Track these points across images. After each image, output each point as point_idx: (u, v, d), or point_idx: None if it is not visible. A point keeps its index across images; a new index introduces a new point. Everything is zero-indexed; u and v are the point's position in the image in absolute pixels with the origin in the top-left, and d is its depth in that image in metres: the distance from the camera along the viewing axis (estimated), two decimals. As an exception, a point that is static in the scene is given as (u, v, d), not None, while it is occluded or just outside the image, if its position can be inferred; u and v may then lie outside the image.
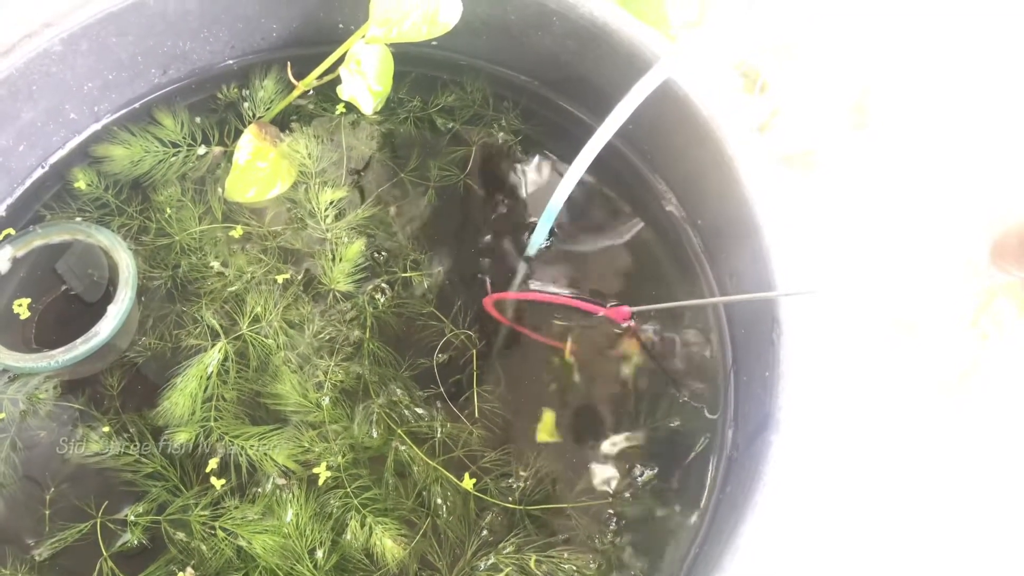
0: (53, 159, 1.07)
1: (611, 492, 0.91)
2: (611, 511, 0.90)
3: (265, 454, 0.90)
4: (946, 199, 1.42)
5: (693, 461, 0.92)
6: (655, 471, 0.92)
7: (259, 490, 0.90)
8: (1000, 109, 1.46)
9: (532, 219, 1.04)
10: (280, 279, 1.00)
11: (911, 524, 1.06)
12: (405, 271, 1.03)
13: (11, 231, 1.01)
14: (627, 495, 0.91)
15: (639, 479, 0.91)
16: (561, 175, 0.95)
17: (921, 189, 1.42)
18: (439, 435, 0.93)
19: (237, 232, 1.03)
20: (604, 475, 0.92)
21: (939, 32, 1.53)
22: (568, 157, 0.92)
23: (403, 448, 0.92)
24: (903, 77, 1.51)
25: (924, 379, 1.17)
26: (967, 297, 1.28)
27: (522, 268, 1.01)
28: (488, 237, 1.06)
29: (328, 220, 1.04)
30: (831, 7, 1.56)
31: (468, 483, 0.90)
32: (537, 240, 0.99)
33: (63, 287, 1.01)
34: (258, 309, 0.97)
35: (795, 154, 1.45)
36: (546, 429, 0.95)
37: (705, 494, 0.90)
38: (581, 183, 0.93)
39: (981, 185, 1.42)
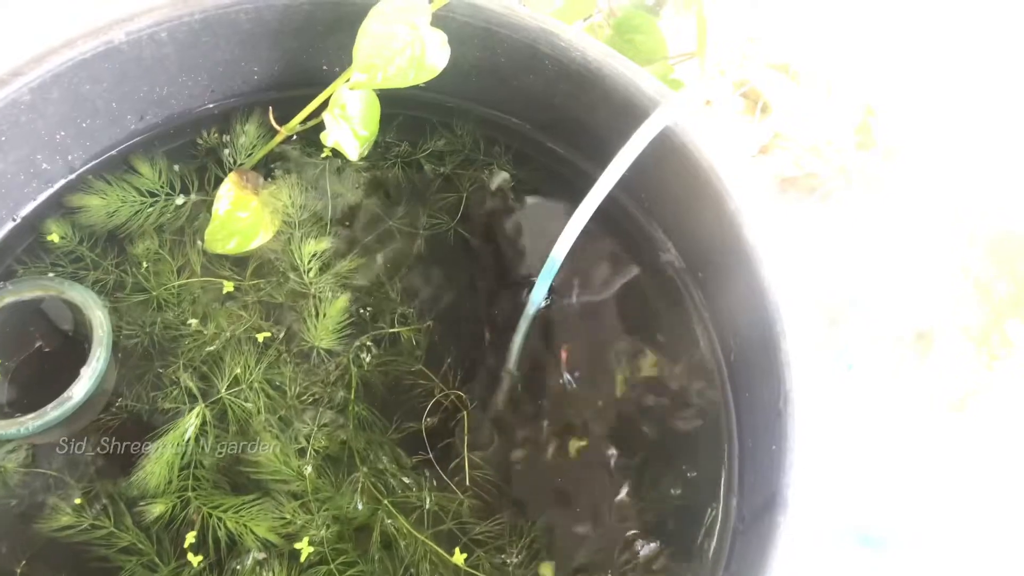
0: (25, 211, 1.04)
1: (611, 567, 0.88)
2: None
3: (245, 526, 0.86)
4: (952, 218, 1.40)
5: (698, 534, 0.89)
6: (657, 545, 0.89)
7: (239, 566, 0.86)
8: (1006, 125, 1.45)
9: (529, 275, 1.02)
10: (261, 337, 0.97)
11: (919, 544, 1.06)
12: (392, 326, 1.00)
13: (-19, 288, 0.97)
14: (628, 571, 0.88)
15: (641, 553, 0.88)
16: (556, 220, 0.94)
17: (927, 208, 1.40)
18: (428, 505, 0.90)
19: (228, 287, 1.00)
20: (604, 548, 0.89)
21: (943, 49, 1.51)
22: (564, 202, 0.92)
23: (390, 520, 0.89)
24: (907, 96, 1.49)
25: (932, 399, 1.16)
26: (975, 317, 1.27)
27: (522, 326, 0.98)
28: (482, 292, 1.04)
29: (312, 273, 1.01)
30: (833, 27, 1.54)
31: (459, 558, 0.87)
32: (537, 299, 0.97)
33: (37, 344, 0.99)
34: (237, 370, 0.94)
35: (797, 177, 1.42)
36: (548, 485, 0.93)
37: (709, 573, 0.85)
38: (582, 235, 0.92)
39: (987, 203, 1.41)
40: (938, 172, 1.42)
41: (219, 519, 0.87)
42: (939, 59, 1.44)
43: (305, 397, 0.95)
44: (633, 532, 0.90)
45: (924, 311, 1.22)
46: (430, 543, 0.88)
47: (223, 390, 0.94)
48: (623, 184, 0.94)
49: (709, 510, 0.90)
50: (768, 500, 0.77)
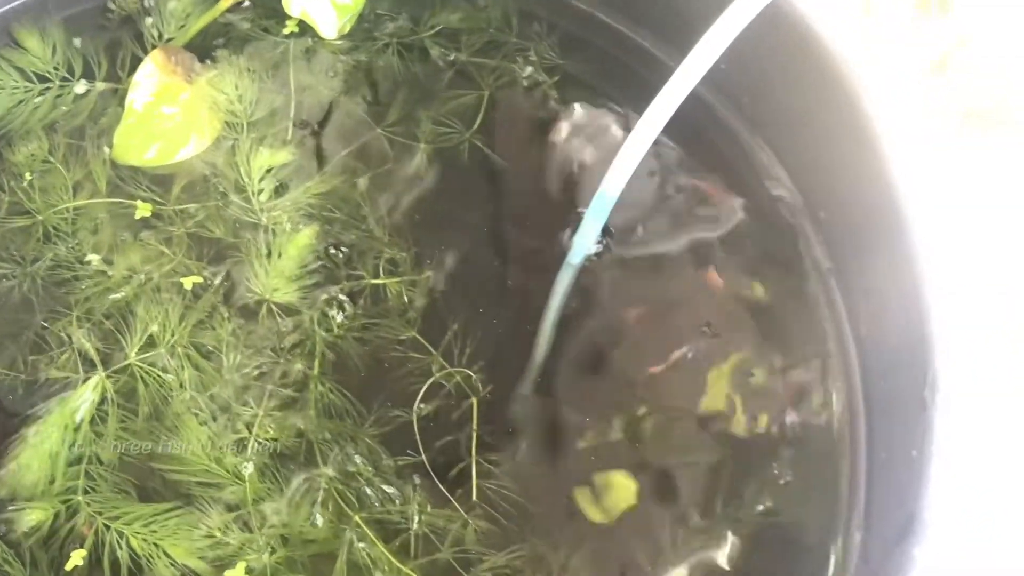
0: None
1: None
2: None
3: (156, 545, 0.89)
4: None
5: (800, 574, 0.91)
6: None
7: (145, 600, 0.87)
8: None
9: (576, 209, 1.04)
10: (189, 283, 1.00)
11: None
12: (376, 275, 1.02)
13: None
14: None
15: None
16: (620, 139, 0.96)
17: None
18: (417, 526, 0.92)
19: (144, 211, 1.03)
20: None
21: None
22: (628, 105, 0.94)
23: (362, 544, 0.91)
24: None
25: None
26: None
27: (562, 283, 1.01)
28: (506, 231, 1.06)
29: (264, 196, 1.04)
30: None
31: None
32: (584, 242, 0.99)
33: None
34: (154, 328, 0.97)
35: (986, 107, 1.43)
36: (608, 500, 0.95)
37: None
38: (651, 153, 0.92)
39: None
40: None
41: (120, 534, 0.89)
42: None
43: (248, 370, 0.98)
44: (709, 571, 0.92)
45: None
46: None
47: (132, 355, 0.96)
48: (716, 81, 0.95)
49: (822, 551, 0.93)
50: (903, 527, 0.79)
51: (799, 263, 1.01)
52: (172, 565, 0.89)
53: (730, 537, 0.94)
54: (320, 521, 0.92)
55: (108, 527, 0.90)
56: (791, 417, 0.98)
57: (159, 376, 0.96)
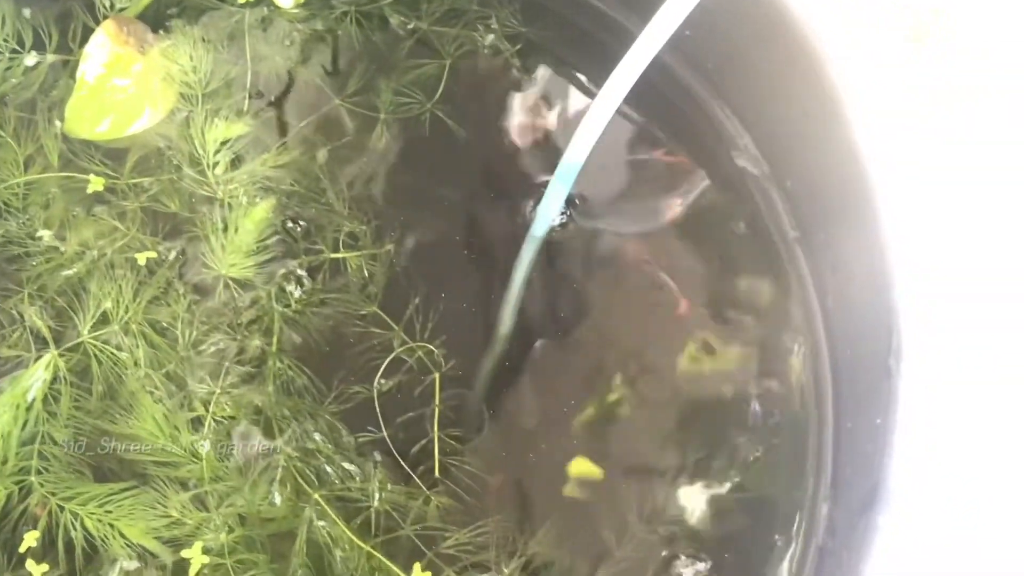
0: None
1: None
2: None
3: (111, 526, 0.89)
4: None
5: (765, 550, 0.92)
6: (707, 566, 0.91)
7: (100, 582, 0.87)
8: None
9: (540, 179, 1.04)
10: (143, 259, 1.00)
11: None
12: (335, 249, 1.02)
13: None
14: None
15: None
16: (583, 108, 0.97)
17: None
18: (378, 503, 0.92)
19: (97, 185, 1.02)
20: (631, 570, 0.92)
21: None
22: (591, 72, 0.93)
23: (322, 522, 0.91)
24: None
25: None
26: None
27: (526, 254, 1.00)
28: (469, 203, 1.06)
29: (219, 169, 1.03)
30: None
31: None
32: (548, 212, 0.98)
33: None
34: (107, 304, 0.97)
35: (966, 80, 1.41)
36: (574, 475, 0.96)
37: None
38: (615, 122, 0.91)
39: None
40: None
41: (74, 515, 0.89)
42: None
43: (204, 347, 0.98)
44: (673, 549, 0.92)
45: None
46: (379, 556, 0.90)
47: (85, 332, 0.96)
48: (681, 48, 0.95)
49: (788, 524, 0.93)
50: (867, 497, 0.79)
51: (765, 233, 1.01)
52: (128, 546, 0.89)
53: (698, 512, 0.94)
54: (279, 500, 0.91)
55: (62, 508, 0.89)
56: (758, 389, 0.98)
57: (113, 354, 0.95)
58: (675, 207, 1.04)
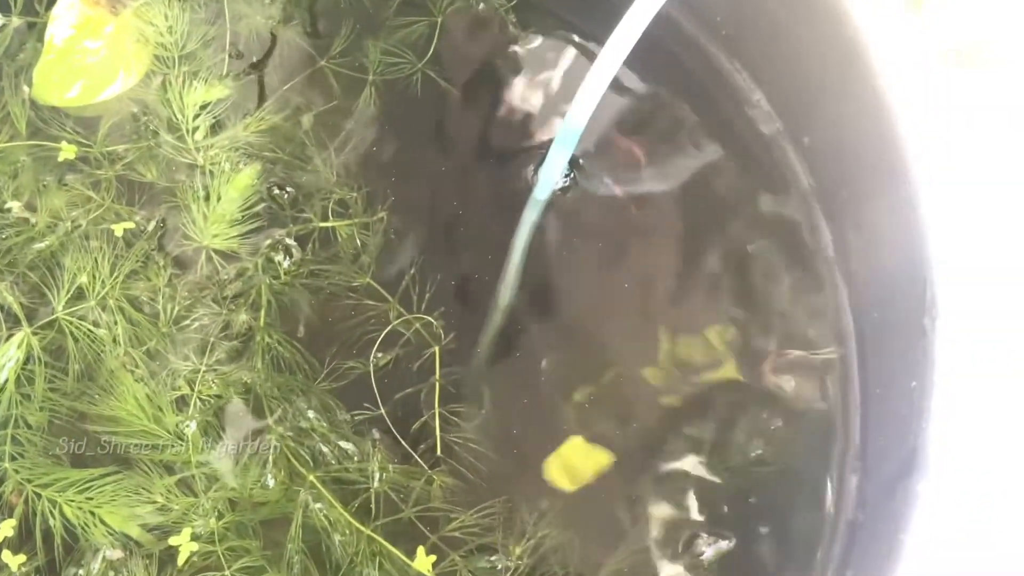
0: None
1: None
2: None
3: (92, 513, 0.87)
4: None
5: (792, 526, 0.90)
6: (731, 544, 0.89)
7: (81, 572, 0.87)
8: None
9: (539, 140, 1.02)
10: (120, 230, 0.97)
11: None
12: (325, 218, 1.00)
13: None
14: (685, 582, 0.87)
15: (704, 556, 0.89)
16: (584, 66, 0.92)
17: None
18: (377, 485, 0.90)
19: (69, 153, 1.00)
20: (646, 549, 0.90)
21: None
22: (596, 35, 0.91)
23: (318, 505, 0.89)
24: None
25: None
26: None
27: (527, 220, 0.98)
28: (465, 167, 1.05)
29: (199, 135, 1.00)
30: None
31: (424, 563, 0.87)
32: (550, 176, 0.96)
33: None
34: (83, 279, 0.94)
35: (970, 46, 1.40)
36: (568, 464, 0.93)
37: (810, 583, 0.87)
38: (618, 82, 0.91)
39: None
40: None
41: (52, 503, 0.87)
42: None
43: (188, 322, 0.95)
44: (693, 527, 0.91)
45: None
46: (380, 540, 0.88)
47: (60, 308, 0.93)
48: (691, 5, 0.94)
49: (814, 496, 0.91)
50: (905, 463, 0.77)
51: (781, 193, 0.99)
52: (110, 534, 0.87)
53: (719, 487, 0.93)
54: (272, 482, 0.89)
55: (39, 495, 0.87)
56: (777, 358, 0.96)
57: (90, 331, 0.93)
58: (684, 168, 1.02)
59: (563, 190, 1.01)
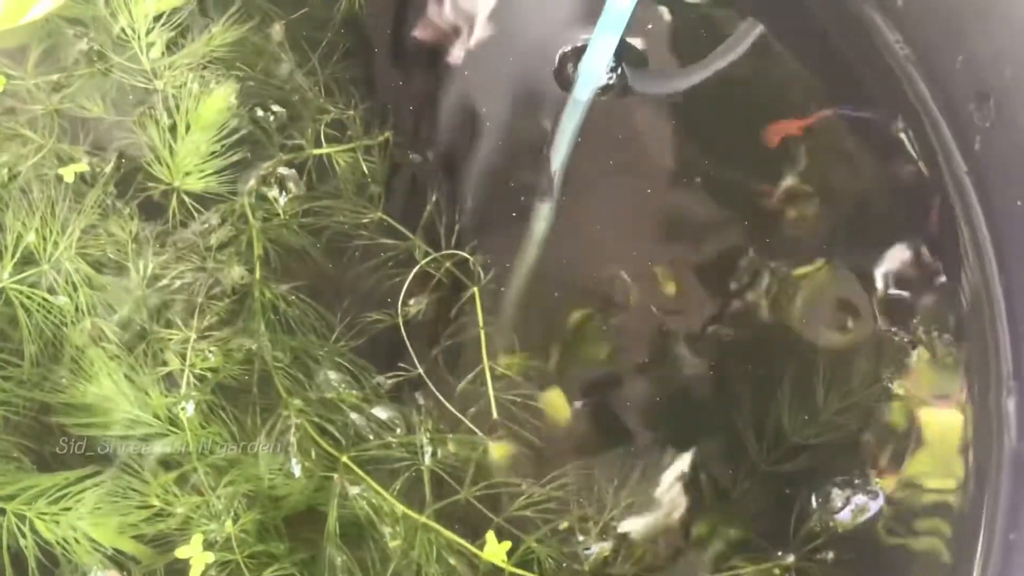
0: None
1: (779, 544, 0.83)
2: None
3: (72, 527, 0.78)
4: None
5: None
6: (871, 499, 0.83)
7: (67, 599, 0.78)
8: None
9: (580, 30, 0.94)
10: (70, 174, 0.88)
11: None
12: (318, 144, 0.92)
13: None
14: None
15: (841, 512, 0.83)
16: None
17: None
18: (426, 462, 0.83)
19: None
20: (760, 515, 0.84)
21: None
22: None
23: (357, 490, 0.81)
24: None
25: None
26: None
27: (567, 126, 0.91)
28: (485, 65, 0.97)
29: (156, 52, 0.92)
30: None
31: (497, 551, 0.79)
32: (592, 71, 0.90)
33: None
34: (30, 237, 0.85)
35: None
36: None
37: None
38: None
39: None
40: None
41: (20, 518, 0.79)
42: None
43: (167, 281, 0.87)
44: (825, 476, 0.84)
45: None
46: (438, 528, 0.80)
47: (4, 277, 0.84)
48: None
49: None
50: None
51: (871, 71, 0.94)
52: (98, 551, 0.80)
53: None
54: (297, 470, 0.82)
55: (2, 511, 0.79)
56: (886, 278, 0.90)
57: (45, 301, 0.85)
58: (750, 56, 0.97)
59: (608, 88, 0.94)
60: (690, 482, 0.86)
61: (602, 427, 0.88)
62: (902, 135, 0.92)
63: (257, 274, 0.88)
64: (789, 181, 0.93)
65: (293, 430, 0.83)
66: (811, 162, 0.93)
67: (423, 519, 0.81)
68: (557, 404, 0.87)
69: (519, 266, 0.92)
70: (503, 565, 0.80)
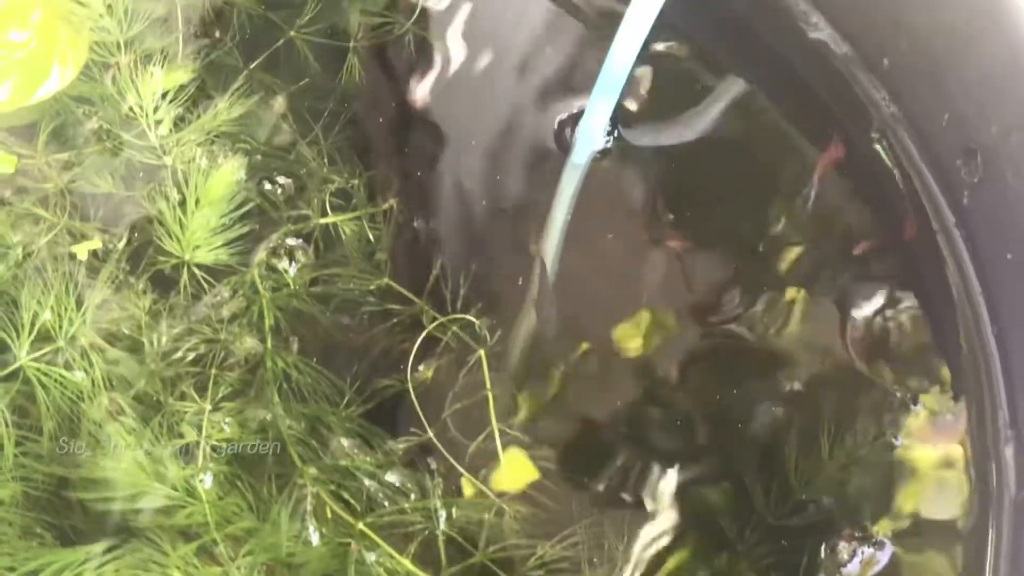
0: None
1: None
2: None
3: None
4: None
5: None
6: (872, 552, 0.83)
7: None
8: None
9: (575, 96, 0.97)
10: (83, 252, 0.90)
11: None
12: (324, 212, 0.94)
13: None
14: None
15: (846, 567, 0.83)
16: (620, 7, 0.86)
17: None
18: (442, 524, 0.84)
19: (7, 166, 0.92)
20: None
21: None
22: None
23: (374, 556, 0.82)
24: None
25: None
26: None
27: (566, 189, 0.93)
28: (483, 136, 0.98)
29: (164, 128, 0.94)
30: None
31: None
32: (590, 134, 0.91)
33: None
34: (46, 316, 0.86)
35: None
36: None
37: None
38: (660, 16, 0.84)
39: None
40: None
41: None
42: None
43: (180, 355, 0.88)
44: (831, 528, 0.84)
45: None
46: None
47: (22, 355, 0.85)
48: None
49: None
50: None
51: (859, 126, 0.95)
52: None
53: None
54: (316, 537, 0.83)
55: None
56: (883, 316, 0.92)
57: (62, 377, 0.85)
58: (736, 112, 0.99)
59: (605, 152, 0.96)
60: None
61: (607, 484, 0.88)
62: (890, 188, 0.93)
63: (268, 344, 0.88)
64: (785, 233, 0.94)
65: (309, 498, 0.83)
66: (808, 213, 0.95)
67: (442, 581, 0.81)
68: (525, 467, 0.88)
69: (520, 327, 0.93)
70: (518, 624, 0.80)
